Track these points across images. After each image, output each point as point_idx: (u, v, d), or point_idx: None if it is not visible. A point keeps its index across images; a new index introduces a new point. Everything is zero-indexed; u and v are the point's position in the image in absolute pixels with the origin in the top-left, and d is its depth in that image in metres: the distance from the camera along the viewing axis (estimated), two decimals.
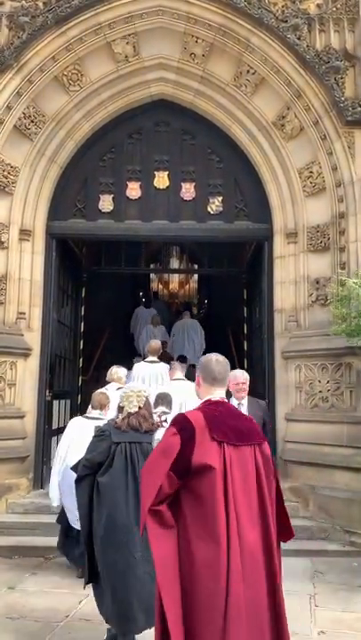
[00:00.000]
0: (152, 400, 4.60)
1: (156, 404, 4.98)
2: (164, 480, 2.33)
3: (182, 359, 9.63)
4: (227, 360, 2.74)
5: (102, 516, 3.53)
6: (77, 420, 5.27)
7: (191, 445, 2.35)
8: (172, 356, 10.18)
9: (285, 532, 2.65)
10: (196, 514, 2.33)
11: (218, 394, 2.64)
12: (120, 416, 3.79)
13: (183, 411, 4.87)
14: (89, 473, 3.69)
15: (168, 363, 7.35)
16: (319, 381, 6.58)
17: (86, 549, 3.67)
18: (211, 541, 2.27)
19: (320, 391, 6.57)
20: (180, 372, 6.44)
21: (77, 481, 3.76)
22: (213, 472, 2.32)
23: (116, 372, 6.28)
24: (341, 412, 6.37)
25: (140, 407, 3.78)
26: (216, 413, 2.52)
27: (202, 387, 2.69)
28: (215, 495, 2.31)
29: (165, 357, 8.83)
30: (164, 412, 4.90)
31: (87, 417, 5.08)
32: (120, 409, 3.83)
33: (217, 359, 2.71)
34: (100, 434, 3.79)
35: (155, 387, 6.15)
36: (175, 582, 2.29)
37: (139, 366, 6.89)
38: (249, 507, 2.37)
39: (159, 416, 4.54)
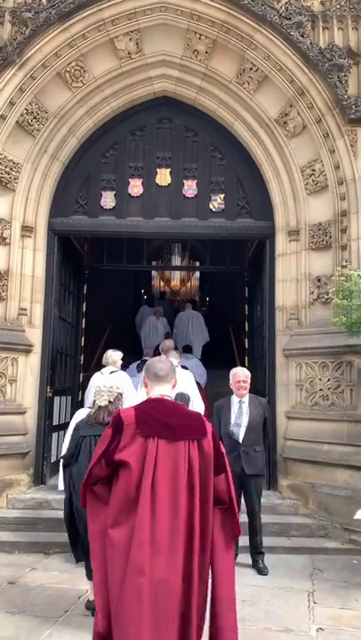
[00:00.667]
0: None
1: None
2: (96, 465, 2.67)
3: (187, 349, 9.84)
4: (171, 361, 2.93)
5: (76, 501, 3.92)
6: (82, 411, 5.45)
7: (118, 439, 2.62)
8: (175, 346, 10.26)
9: (233, 527, 2.75)
10: (115, 500, 2.59)
11: (159, 390, 2.79)
12: (92, 410, 4.26)
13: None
14: (68, 463, 4.30)
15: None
16: (320, 379, 6.59)
17: (67, 530, 4.26)
18: (122, 528, 2.53)
19: (320, 389, 6.58)
20: (174, 359, 6.46)
21: (63, 468, 4.49)
22: (129, 465, 2.56)
23: (111, 355, 6.48)
24: (342, 410, 6.38)
25: (109, 402, 4.14)
26: (150, 410, 2.71)
27: (148, 385, 2.85)
28: (129, 486, 2.55)
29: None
30: None
31: (88, 406, 5.31)
32: (93, 403, 4.26)
33: (160, 359, 2.93)
34: (75, 428, 4.39)
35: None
36: (102, 555, 2.60)
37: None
38: (173, 497, 2.53)
39: None
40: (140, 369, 8.11)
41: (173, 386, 2.86)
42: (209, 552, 2.63)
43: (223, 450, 2.75)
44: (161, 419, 2.66)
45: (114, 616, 2.50)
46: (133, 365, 8.60)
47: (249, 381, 5.50)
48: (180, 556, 2.51)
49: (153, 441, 2.59)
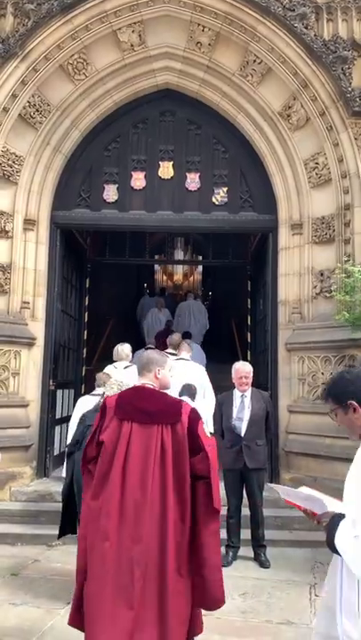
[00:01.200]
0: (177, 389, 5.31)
1: (181, 393, 5.40)
2: (89, 445, 3.04)
3: (187, 335, 9.83)
4: (154, 355, 3.23)
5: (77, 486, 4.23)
6: (87, 397, 5.76)
7: (103, 421, 3.00)
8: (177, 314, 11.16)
9: (211, 501, 2.88)
10: (96, 475, 2.92)
11: (142, 379, 3.11)
12: (100, 400, 4.36)
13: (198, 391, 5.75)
14: (72, 451, 4.50)
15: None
16: (322, 373, 6.58)
17: (62, 512, 4.54)
18: (98, 499, 2.84)
19: (323, 383, 6.56)
20: (185, 353, 6.66)
21: (67, 456, 4.73)
22: (105, 445, 2.91)
23: (122, 349, 6.64)
24: None
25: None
26: (130, 396, 3.07)
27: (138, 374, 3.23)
28: (104, 462, 2.88)
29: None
30: None
31: (93, 394, 5.60)
32: (102, 395, 4.38)
33: (145, 354, 3.29)
34: (81, 417, 4.60)
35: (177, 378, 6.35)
36: (86, 525, 2.94)
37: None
38: (143, 474, 2.80)
39: None
40: None
41: (155, 376, 3.07)
42: (188, 521, 2.83)
43: (200, 432, 2.93)
44: (137, 404, 2.97)
45: (87, 576, 2.83)
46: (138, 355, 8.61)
47: (251, 376, 5.50)
48: (149, 525, 2.75)
49: (127, 424, 2.91)
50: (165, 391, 3.14)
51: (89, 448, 3.03)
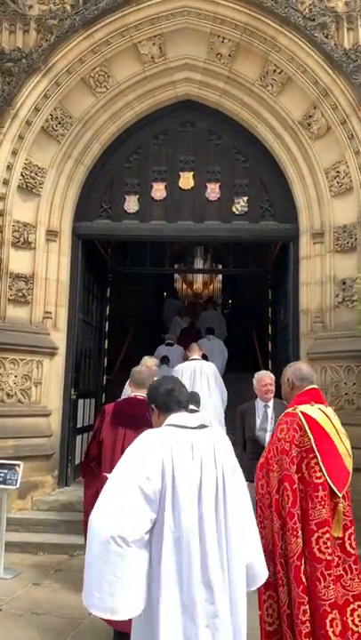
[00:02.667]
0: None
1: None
2: (92, 445, 4.01)
3: (210, 331, 10.59)
4: (147, 373, 4.27)
5: None
6: None
7: (102, 425, 3.97)
8: (199, 328, 11.74)
9: None
10: (103, 463, 3.88)
11: (135, 392, 4.08)
12: None
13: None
14: None
15: (195, 337, 9.23)
16: (345, 383, 6.51)
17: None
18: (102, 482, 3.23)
19: (346, 393, 6.50)
20: (197, 354, 6.95)
21: None
22: (105, 445, 3.87)
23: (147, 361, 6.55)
24: None
25: None
26: (122, 405, 4.07)
27: (131, 386, 4.27)
28: (105, 461, 3.79)
29: (192, 334, 10.63)
30: (191, 410, 5.24)
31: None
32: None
33: (139, 373, 4.26)
34: None
35: (199, 382, 6.82)
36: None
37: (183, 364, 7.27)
38: None
39: None
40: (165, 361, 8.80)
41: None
42: None
43: None
44: (128, 412, 3.87)
45: None
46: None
47: (274, 386, 5.45)
48: None
49: (122, 428, 3.83)
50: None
51: (91, 447, 3.75)
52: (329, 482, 2.82)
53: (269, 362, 9.22)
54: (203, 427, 2.38)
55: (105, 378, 9.13)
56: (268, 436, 5.23)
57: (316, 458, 2.83)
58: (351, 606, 2.78)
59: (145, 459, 2.14)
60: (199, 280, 16.71)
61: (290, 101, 7.02)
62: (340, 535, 2.83)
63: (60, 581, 4.89)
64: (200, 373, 6.89)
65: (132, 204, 7.55)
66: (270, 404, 5.37)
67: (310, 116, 6.93)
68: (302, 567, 2.71)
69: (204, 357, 7.50)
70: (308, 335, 6.97)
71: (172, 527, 2.09)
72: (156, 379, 3.08)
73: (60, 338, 7.16)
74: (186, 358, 7.54)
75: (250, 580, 2.30)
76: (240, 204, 7.51)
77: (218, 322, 12.18)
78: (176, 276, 16.29)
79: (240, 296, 14.24)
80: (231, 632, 2.12)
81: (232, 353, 11.08)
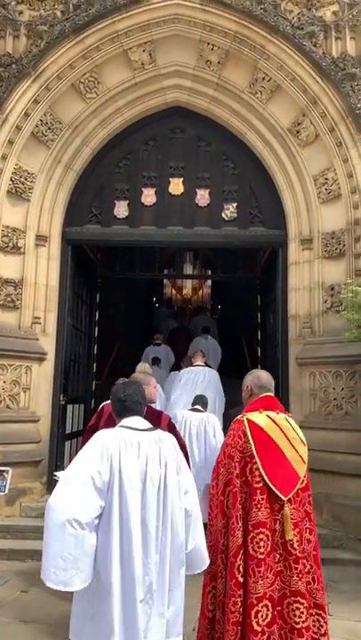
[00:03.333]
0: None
1: (194, 402, 6.11)
2: (87, 436, 3.95)
3: (206, 330, 10.96)
4: (140, 376, 4.29)
5: None
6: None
7: (99, 422, 4.14)
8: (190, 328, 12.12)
9: None
10: None
11: None
12: None
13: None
14: None
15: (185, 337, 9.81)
16: (333, 388, 6.55)
17: None
18: None
19: (334, 398, 6.54)
20: (200, 360, 7.32)
21: None
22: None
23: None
24: (355, 420, 6.33)
25: None
26: None
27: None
28: None
29: (182, 334, 11.03)
30: (197, 410, 6.08)
31: None
32: None
33: (134, 376, 4.44)
34: None
35: (200, 388, 7.08)
36: None
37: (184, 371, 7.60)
38: None
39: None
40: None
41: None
42: None
43: (179, 436, 3.65)
44: None
45: None
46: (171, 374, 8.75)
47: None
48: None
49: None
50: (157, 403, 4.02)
51: (87, 437, 3.63)
52: (271, 486, 3.01)
53: (258, 366, 9.24)
54: (152, 430, 2.79)
55: (94, 383, 9.10)
56: None
57: (257, 463, 3.03)
58: (287, 600, 3.00)
59: (97, 455, 2.55)
60: (188, 285, 16.73)
61: (279, 109, 7.08)
62: (290, 538, 3.01)
63: (48, 589, 4.84)
64: (202, 380, 7.07)
65: (121, 209, 7.57)
66: None
67: (299, 124, 6.99)
68: (236, 563, 2.97)
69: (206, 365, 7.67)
70: (297, 340, 7.01)
71: (118, 514, 2.49)
72: (116, 385, 3.13)
73: (48, 343, 7.14)
74: (189, 363, 7.66)
75: (191, 565, 2.76)
76: (229, 210, 7.55)
77: (210, 325, 12.37)
78: (165, 281, 16.30)
79: (229, 301, 14.27)
80: (166, 606, 2.54)
81: (221, 357, 11.10)
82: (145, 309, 14.28)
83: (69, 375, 7.63)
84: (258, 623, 2.87)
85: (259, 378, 3.39)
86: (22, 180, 6.98)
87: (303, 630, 2.92)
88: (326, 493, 6.27)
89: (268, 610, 2.90)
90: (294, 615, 2.95)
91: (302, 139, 7.02)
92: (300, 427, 7.02)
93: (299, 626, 2.92)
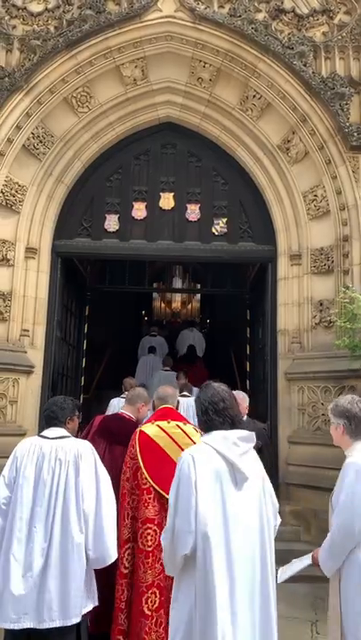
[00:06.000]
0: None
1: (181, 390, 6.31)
2: None
3: (191, 348, 11.28)
4: (141, 392, 4.51)
5: None
6: (115, 399, 6.71)
7: (88, 431, 4.30)
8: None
9: None
10: None
11: (124, 409, 4.37)
12: None
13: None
14: None
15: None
16: (322, 404, 6.55)
17: None
18: None
19: (323, 414, 6.54)
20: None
21: None
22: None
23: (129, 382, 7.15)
24: None
25: None
26: (106, 420, 4.41)
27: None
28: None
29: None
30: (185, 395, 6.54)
31: (121, 397, 6.39)
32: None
33: (136, 390, 4.55)
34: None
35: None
36: None
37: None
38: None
39: None
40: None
41: (138, 409, 4.28)
42: None
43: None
44: (109, 427, 4.18)
45: None
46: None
47: (244, 405, 5.48)
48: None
49: (103, 441, 4.05)
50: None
51: None
52: (156, 488, 3.41)
53: (247, 381, 9.25)
54: (62, 438, 3.23)
55: (82, 397, 9.03)
56: None
57: (141, 467, 3.47)
58: None
59: (11, 457, 3.19)
60: (177, 299, 16.75)
61: (269, 126, 7.16)
62: None
63: None
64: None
65: (112, 222, 7.58)
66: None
67: (289, 141, 7.08)
68: (122, 556, 3.39)
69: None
70: (286, 355, 7.03)
71: (17, 501, 3.04)
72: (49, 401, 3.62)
73: (37, 356, 7.09)
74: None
75: (93, 562, 3.04)
76: (219, 225, 7.59)
77: (199, 340, 12.36)
78: (155, 295, 16.31)
79: (218, 316, 14.31)
80: (58, 584, 2.93)
81: (210, 372, 11.08)
82: (134, 323, 14.25)
83: (57, 388, 7.57)
84: (148, 608, 3.25)
85: (158, 392, 3.87)
86: (13, 192, 6.97)
87: None
88: (315, 509, 6.25)
89: (155, 596, 3.27)
90: None
91: (292, 156, 7.10)
92: (289, 442, 7.06)
93: None
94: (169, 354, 11.16)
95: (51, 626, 2.89)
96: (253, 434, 2.45)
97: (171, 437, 3.51)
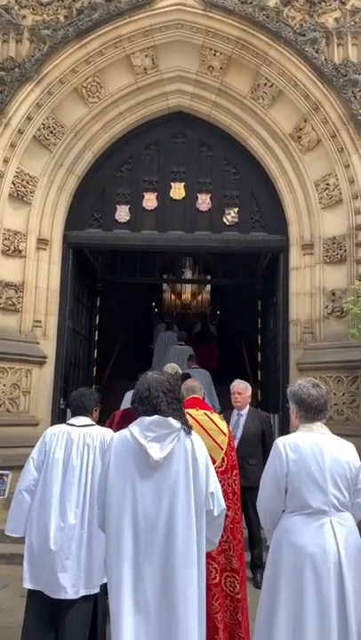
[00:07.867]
0: None
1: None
2: None
3: (205, 327, 11.98)
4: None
5: None
6: (131, 392, 6.30)
7: (111, 422, 4.36)
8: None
9: None
10: None
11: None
12: None
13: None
14: None
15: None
16: (334, 394, 6.54)
17: None
18: None
19: (335, 404, 6.52)
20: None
21: None
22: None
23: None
24: (357, 425, 6.31)
25: None
26: (128, 413, 4.08)
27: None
28: None
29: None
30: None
31: None
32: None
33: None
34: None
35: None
36: None
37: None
38: None
39: None
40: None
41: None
42: None
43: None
44: (130, 420, 4.03)
45: None
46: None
47: (246, 394, 5.57)
48: None
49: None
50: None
51: None
52: None
53: (259, 372, 9.24)
54: (89, 426, 3.48)
55: (94, 387, 9.07)
56: (235, 443, 5.28)
57: None
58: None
59: (39, 441, 3.49)
60: (188, 290, 16.71)
61: (281, 114, 7.10)
62: None
63: None
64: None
65: (123, 213, 7.57)
66: (244, 412, 5.53)
67: (301, 129, 7.01)
68: None
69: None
70: (298, 345, 7.01)
71: (47, 481, 3.32)
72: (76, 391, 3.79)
73: (49, 347, 7.12)
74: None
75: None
76: (230, 215, 7.55)
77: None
78: (165, 286, 16.28)
79: (229, 307, 14.27)
80: (85, 542, 3.28)
81: (221, 364, 11.10)
82: (145, 313, 14.26)
83: (69, 379, 7.61)
84: None
85: (187, 384, 4.05)
86: (24, 183, 6.98)
87: (212, 586, 3.41)
88: None
89: None
90: (208, 574, 3.30)
91: (304, 144, 7.03)
92: None
93: (209, 582, 3.32)
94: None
95: (78, 595, 3.21)
96: (170, 420, 2.53)
97: (199, 423, 3.68)
